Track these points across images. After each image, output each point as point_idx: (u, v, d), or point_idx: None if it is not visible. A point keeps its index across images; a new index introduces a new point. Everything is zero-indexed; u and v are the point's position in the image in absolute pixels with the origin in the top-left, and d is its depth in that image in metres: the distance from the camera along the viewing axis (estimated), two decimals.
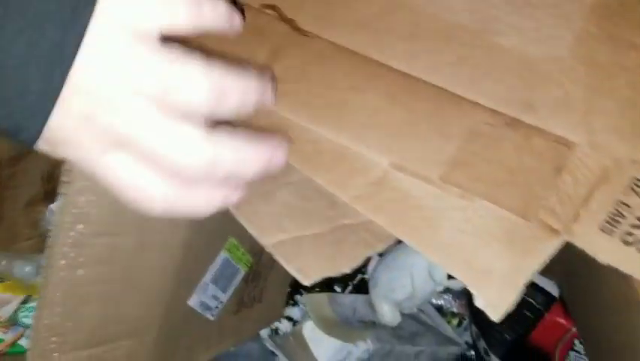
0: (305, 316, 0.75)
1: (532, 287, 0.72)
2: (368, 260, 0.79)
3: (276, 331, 0.76)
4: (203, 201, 0.28)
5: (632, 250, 0.29)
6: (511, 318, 0.76)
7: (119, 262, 0.43)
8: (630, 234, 0.29)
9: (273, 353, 0.76)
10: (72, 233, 0.39)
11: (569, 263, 0.53)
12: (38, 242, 0.59)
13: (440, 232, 0.31)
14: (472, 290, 0.30)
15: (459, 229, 0.31)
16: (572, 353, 0.72)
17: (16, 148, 0.52)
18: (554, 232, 0.30)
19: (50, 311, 0.41)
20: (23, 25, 0.22)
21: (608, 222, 0.30)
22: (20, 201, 0.56)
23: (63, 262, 0.40)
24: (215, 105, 0.26)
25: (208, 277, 0.51)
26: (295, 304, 0.78)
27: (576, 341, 0.70)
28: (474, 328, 0.80)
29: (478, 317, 0.78)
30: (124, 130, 0.25)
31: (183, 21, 0.25)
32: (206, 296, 0.52)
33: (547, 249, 0.30)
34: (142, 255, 0.44)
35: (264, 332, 0.75)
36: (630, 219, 0.29)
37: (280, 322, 0.76)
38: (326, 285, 0.81)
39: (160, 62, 0.24)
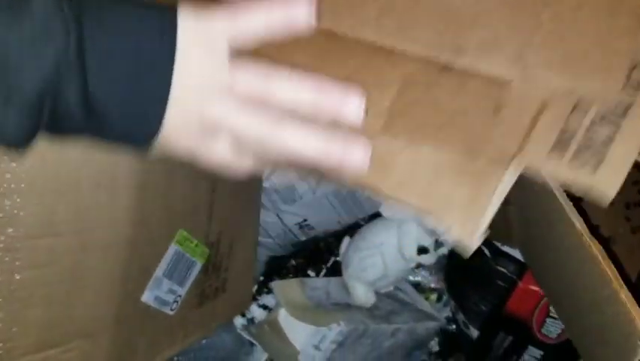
0: (278, 303, 0.75)
1: (504, 256, 0.71)
2: (341, 242, 0.79)
3: (251, 320, 0.76)
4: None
5: (584, 170, 0.30)
6: (485, 289, 0.76)
7: (60, 264, 0.42)
8: (577, 155, 0.30)
9: (250, 342, 0.76)
10: (2, 237, 0.39)
11: (525, 227, 0.53)
12: None
13: (393, 172, 0.33)
14: (437, 219, 0.31)
15: (412, 167, 0.32)
16: (548, 320, 0.71)
17: None
18: (503, 164, 0.31)
19: None
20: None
21: (555, 147, 0.30)
22: None
23: None
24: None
25: (159, 271, 0.50)
26: (269, 292, 0.78)
27: (552, 307, 0.70)
28: (452, 302, 0.80)
29: (454, 290, 0.78)
30: (220, 118, 0.30)
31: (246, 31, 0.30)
32: (161, 291, 0.51)
33: (500, 181, 0.31)
34: (84, 255, 0.43)
35: (239, 322, 0.75)
36: (575, 141, 0.30)
37: (255, 311, 0.76)
38: (300, 270, 0.80)
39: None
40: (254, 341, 0.75)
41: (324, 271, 0.81)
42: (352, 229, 0.79)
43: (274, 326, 0.71)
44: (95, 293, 0.45)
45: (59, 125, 0.28)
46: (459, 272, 0.76)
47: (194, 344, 0.60)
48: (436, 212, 0.31)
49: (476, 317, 0.75)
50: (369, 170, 0.31)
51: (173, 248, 0.51)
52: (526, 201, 0.44)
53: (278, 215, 0.70)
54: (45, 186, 0.40)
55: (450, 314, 0.83)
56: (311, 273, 0.81)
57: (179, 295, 0.54)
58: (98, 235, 0.43)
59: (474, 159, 0.31)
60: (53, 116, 0.27)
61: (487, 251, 0.73)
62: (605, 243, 0.35)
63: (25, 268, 0.40)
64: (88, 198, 0.42)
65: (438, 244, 0.73)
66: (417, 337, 0.77)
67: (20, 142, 0.27)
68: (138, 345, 0.51)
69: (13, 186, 0.38)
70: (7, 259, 0.40)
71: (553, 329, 0.71)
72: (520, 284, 0.71)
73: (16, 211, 0.39)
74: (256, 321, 0.75)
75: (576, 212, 0.34)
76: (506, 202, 0.49)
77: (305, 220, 0.71)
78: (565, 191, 0.36)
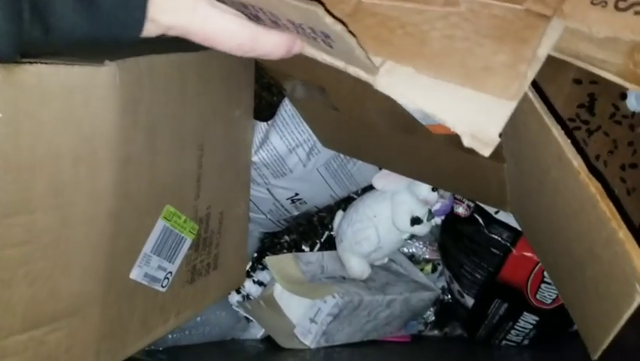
0: (274, 278, 0.74)
1: (497, 224, 0.71)
2: (334, 216, 0.78)
3: (247, 297, 0.75)
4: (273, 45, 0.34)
5: (628, 14, 0.29)
6: (479, 257, 0.76)
7: (40, 240, 0.41)
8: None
9: (246, 318, 0.75)
10: None
11: (519, 184, 0.52)
12: None
13: (428, 44, 0.32)
14: (475, 89, 0.30)
15: (447, 36, 0.32)
16: (543, 286, 0.71)
17: None
18: (544, 17, 0.30)
19: None
20: None
21: None
22: None
23: None
24: None
25: (148, 247, 0.49)
26: (264, 268, 0.77)
27: (546, 273, 0.70)
28: (446, 271, 0.80)
29: (448, 259, 0.78)
30: None
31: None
32: (151, 268, 0.51)
33: (542, 35, 0.30)
34: (66, 230, 0.42)
35: (234, 299, 0.74)
36: None
37: (250, 287, 0.75)
38: (294, 246, 0.80)
39: None
40: (250, 317, 0.75)
41: (318, 246, 0.81)
42: (345, 203, 0.78)
43: (269, 301, 0.71)
44: (80, 270, 0.44)
45: (46, 22, 0.28)
46: (453, 242, 0.75)
47: (189, 321, 0.60)
48: (475, 83, 0.31)
49: (471, 285, 0.75)
50: (404, 40, 0.31)
51: (160, 224, 0.50)
52: (520, 152, 0.43)
53: (269, 190, 0.69)
54: (21, 162, 0.38)
55: (445, 285, 0.82)
56: (305, 248, 0.80)
57: (170, 272, 0.53)
58: (79, 209, 0.42)
59: (515, 16, 0.31)
60: (36, 12, 0.27)
61: (480, 219, 0.72)
62: None
63: (3, 248, 0.39)
64: (66, 172, 0.41)
65: (431, 214, 0.72)
66: (412, 307, 0.77)
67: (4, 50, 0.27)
68: (130, 322, 0.50)
69: None
70: None
71: (547, 294, 0.71)
72: (514, 251, 0.70)
73: None
74: (251, 297, 0.75)
75: (574, 150, 0.33)
76: (500, 159, 0.48)
77: (297, 195, 0.70)
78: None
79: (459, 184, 0.60)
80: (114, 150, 0.43)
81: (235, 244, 0.64)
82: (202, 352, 0.64)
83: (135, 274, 0.49)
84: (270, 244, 0.80)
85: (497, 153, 0.47)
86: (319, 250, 0.80)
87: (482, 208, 0.72)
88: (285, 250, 0.79)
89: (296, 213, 0.74)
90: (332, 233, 0.80)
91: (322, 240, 0.81)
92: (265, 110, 0.65)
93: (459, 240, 0.74)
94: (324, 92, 0.53)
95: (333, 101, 0.53)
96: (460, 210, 0.73)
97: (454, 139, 0.49)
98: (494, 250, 0.71)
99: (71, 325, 0.45)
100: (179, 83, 0.49)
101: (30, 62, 0.37)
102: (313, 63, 0.48)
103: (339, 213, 0.77)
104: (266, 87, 0.66)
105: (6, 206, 0.38)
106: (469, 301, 0.76)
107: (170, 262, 0.53)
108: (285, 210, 0.72)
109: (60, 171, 0.40)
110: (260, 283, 0.77)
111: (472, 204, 0.73)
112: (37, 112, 0.38)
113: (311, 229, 0.81)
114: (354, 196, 0.78)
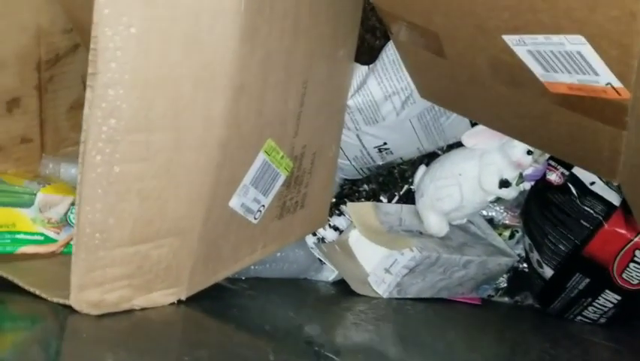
0: (351, 225, 0.74)
1: (592, 196, 0.68)
2: (415, 170, 0.77)
3: (322, 240, 0.76)
4: None
5: None
6: (567, 228, 0.74)
7: (155, 160, 0.42)
8: None
9: (320, 260, 0.76)
10: (105, 128, 0.39)
11: (636, 155, 0.49)
12: None
13: None
14: None
15: None
16: (631, 265, 0.68)
17: (53, 50, 0.52)
18: None
19: (91, 208, 0.41)
20: None
21: None
22: (62, 105, 0.56)
23: (99, 157, 0.40)
24: None
25: (247, 179, 0.50)
26: (341, 214, 0.77)
27: (637, 252, 0.67)
28: (527, 239, 0.78)
29: (532, 227, 0.75)
30: None
31: None
32: (247, 199, 0.51)
33: None
34: (178, 153, 0.43)
35: (311, 241, 0.75)
36: None
37: (326, 230, 0.76)
38: (372, 195, 0.79)
39: None
40: (323, 260, 0.76)
41: (396, 198, 0.80)
42: (428, 158, 0.77)
43: (344, 247, 0.71)
44: (187, 193, 0.45)
45: None
46: (539, 209, 0.73)
47: (272, 255, 0.61)
48: None
49: (552, 256, 0.73)
50: None
51: (261, 157, 0.51)
52: None
53: (358, 136, 0.68)
54: (147, 79, 0.39)
55: (522, 252, 0.81)
56: (383, 199, 0.80)
57: (263, 205, 0.54)
58: (193, 135, 0.43)
59: None
60: None
61: (573, 189, 0.69)
62: None
63: (123, 161, 0.41)
64: (186, 95, 0.41)
65: (521, 178, 0.70)
66: (488, 271, 0.75)
67: None
68: (223, 249, 0.52)
69: (117, 76, 0.38)
70: (107, 150, 0.40)
71: (635, 275, 0.68)
72: (606, 226, 0.67)
73: (118, 103, 0.39)
74: (326, 241, 0.75)
75: None
76: (621, 126, 0.45)
77: (385, 144, 0.69)
78: None
79: (565, 148, 0.57)
80: (231, 77, 0.43)
81: (322, 186, 0.64)
82: (278, 286, 0.66)
83: (234, 203, 0.50)
84: (349, 191, 0.79)
85: (619, 118, 0.45)
86: (397, 202, 0.79)
87: (577, 178, 0.69)
88: (362, 199, 0.79)
89: (380, 162, 0.73)
90: (412, 187, 0.79)
91: (401, 193, 0.80)
92: (366, 54, 0.63)
93: (547, 208, 0.72)
94: (436, 37, 0.51)
95: (444, 47, 0.51)
96: (553, 177, 0.70)
97: (572, 100, 0.47)
98: (584, 223, 0.69)
99: (174, 244, 0.47)
100: (294, 17, 0.48)
101: None
102: (432, 7, 0.46)
103: (422, 168, 0.76)
104: (370, 30, 0.65)
105: (130, 121, 0.39)
106: (548, 272, 0.74)
107: (264, 195, 0.54)
108: (371, 158, 0.71)
109: (181, 93, 0.41)
110: (336, 229, 0.77)
111: (566, 173, 0.70)
112: (167, 32, 0.39)
113: (391, 180, 0.80)
114: (439, 152, 0.77)
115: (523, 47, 0.43)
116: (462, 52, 0.50)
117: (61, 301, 0.44)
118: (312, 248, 0.75)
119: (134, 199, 0.42)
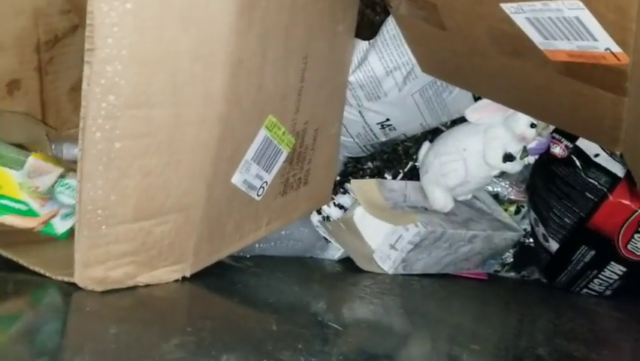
0: (355, 203, 0.74)
1: (596, 167, 0.67)
2: (419, 147, 0.77)
3: (327, 218, 0.76)
4: None
5: None
6: (571, 200, 0.73)
7: (156, 135, 0.42)
8: None
9: (325, 239, 0.77)
10: (104, 104, 0.39)
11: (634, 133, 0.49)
12: None
13: None
14: None
15: None
16: (636, 236, 0.68)
17: (52, 31, 0.52)
18: None
19: (92, 184, 0.41)
20: None
21: None
22: (63, 87, 0.56)
23: (99, 134, 0.40)
24: None
25: (249, 155, 0.50)
26: (345, 192, 0.78)
27: None
28: (532, 214, 0.78)
29: (537, 200, 0.75)
30: None
31: None
32: (250, 175, 0.52)
33: None
34: (179, 128, 0.43)
35: (315, 219, 0.75)
36: None
37: (331, 209, 0.76)
38: (377, 173, 0.79)
39: None
40: (328, 238, 0.76)
41: (400, 175, 0.80)
42: (432, 135, 0.77)
43: (349, 224, 0.71)
44: (188, 169, 0.45)
45: None
46: (544, 183, 0.73)
47: (276, 232, 0.61)
48: None
49: (558, 229, 0.73)
50: None
51: (262, 133, 0.51)
52: None
53: (360, 112, 0.68)
54: (145, 55, 0.39)
55: (528, 227, 0.81)
56: (387, 176, 0.80)
57: (266, 182, 0.54)
58: (193, 110, 0.43)
59: None
60: None
61: (577, 162, 0.69)
62: None
63: (124, 137, 0.41)
64: (185, 70, 0.41)
65: (525, 152, 0.70)
66: (494, 246, 0.75)
67: None
68: (226, 226, 0.52)
69: (114, 52, 0.38)
70: (107, 126, 0.40)
71: None
72: (611, 198, 0.67)
73: (117, 79, 0.39)
74: (331, 219, 0.76)
75: None
76: (622, 92, 0.45)
77: (387, 120, 0.69)
78: None
79: (568, 118, 0.57)
80: (229, 52, 0.43)
81: (325, 162, 0.64)
82: (283, 264, 0.66)
83: (236, 179, 0.50)
84: (353, 169, 0.79)
85: (619, 85, 0.44)
86: (402, 179, 0.79)
87: (581, 150, 0.69)
88: (367, 177, 0.79)
89: (383, 139, 0.73)
90: (416, 164, 0.79)
91: (405, 170, 0.80)
92: (366, 29, 0.63)
93: (551, 181, 0.72)
94: (435, 9, 0.50)
95: (443, 19, 0.51)
96: (557, 150, 0.70)
97: (573, 67, 0.46)
98: (589, 195, 0.68)
99: (177, 220, 0.47)
100: None
101: None
102: None
103: (426, 144, 0.76)
104: (370, 5, 0.64)
105: (129, 97, 0.40)
106: (554, 245, 0.74)
107: (267, 171, 0.54)
108: (374, 134, 0.71)
109: (179, 69, 0.41)
110: (340, 207, 0.77)
111: (570, 145, 0.69)
112: (163, 7, 0.39)
113: (395, 157, 0.80)
114: (443, 128, 0.76)
115: (522, 14, 0.43)
116: (461, 23, 0.49)
117: (66, 278, 0.45)
118: (317, 226, 0.75)
119: (136, 175, 0.43)
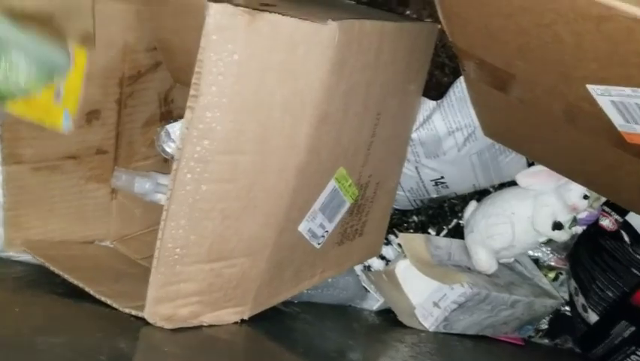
0: (398, 256, 0.75)
1: None
2: (465, 205, 0.77)
3: (368, 268, 0.76)
4: None
5: None
6: (616, 274, 0.73)
7: (239, 181, 0.43)
8: None
9: (365, 289, 0.76)
10: (198, 148, 0.40)
11: None
12: (155, 162, 0.61)
13: None
14: None
15: None
16: None
17: (136, 67, 0.54)
18: None
19: (176, 223, 0.42)
20: None
21: None
22: (138, 120, 0.58)
23: (189, 175, 0.41)
24: None
25: (317, 204, 0.51)
26: (388, 243, 0.78)
27: None
28: (573, 283, 0.77)
29: (579, 271, 0.75)
30: None
31: None
32: (315, 224, 0.52)
33: None
34: (261, 176, 0.44)
35: (357, 269, 0.75)
36: None
37: (373, 261, 0.76)
38: (421, 227, 0.80)
39: None
40: (369, 289, 0.76)
41: (444, 232, 0.80)
42: (479, 195, 0.77)
43: (391, 277, 0.71)
44: (263, 215, 0.46)
45: None
46: (589, 254, 0.73)
47: (327, 280, 0.62)
48: None
49: (599, 301, 0.72)
50: None
51: (332, 184, 0.52)
52: None
53: (417, 168, 0.69)
54: (242, 104, 0.41)
55: (566, 295, 0.80)
56: (431, 231, 0.80)
57: (327, 231, 0.55)
58: (276, 159, 0.44)
59: None
60: None
61: (626, 237, 0.69)
62: None
63: (211, 181, 0.42)
64: (275, 120, 0.42)
65: (574, 221, 0.70)
66: (534, 312, 0.75)
67: None
68: (286, 272, 0.53)
69: (216, 99, 0.39)
70: (198, 169, 0.41)
71: None
72: None
73: (214, 125, 0.40)
74: (373, 269, 0.76)
75: None
76: None
77: (442, 178, 0.70)
78: None
79: (632, 197, 0.57)
80: (317, 106, 0.44)
81: (381, 215, 0.65)
82: (328, 312, 0.66)
83: (302, 227, 0.51)
84: (398, 221, 0.80)
85: None
86: (445, 236, 0.80)
87: (630, 225, 0.69)
88: (411, 230, 0.79)
89: (434, 195, 0.74)
90: (460, 222, 0.79)
91: (450, 226, 0.80)
92: (434, 89, 0.64)
93: (597, 253, 0.72)
94: (512, 79, 0.52)
95: (520, 90, 0.52)
96: (606, 222, 0.70)
97: None
98: (635, 271, 0.68)
99: (244, 264, 0.47)
100: (376, 51, 0.50)
101: (269, 10, 0.39)
102: (516, 52, 0.46)
103: (472, 203, 0.76)
104: (439, 66, 0.66)
105: (221, 143, 0.41)
106: (593, 317, 0.74)
107: (330, 221, 0.54)
108: (426, 190, 0.72)
109: (270, 119, 0.42)
110: (382, 258, 0.78)
111: (620, 219, 0.70)
112: (266, 60, 0.40)
113: (440, 213, 0.80)
114: (490, 189, 0.77)
115: (608, 97, 0.43)
116: (539, 96, 0.50)
117: (133, 312, 0.45)
118: (358, 275, 0.75)
119: (217, 218, 0.43)
